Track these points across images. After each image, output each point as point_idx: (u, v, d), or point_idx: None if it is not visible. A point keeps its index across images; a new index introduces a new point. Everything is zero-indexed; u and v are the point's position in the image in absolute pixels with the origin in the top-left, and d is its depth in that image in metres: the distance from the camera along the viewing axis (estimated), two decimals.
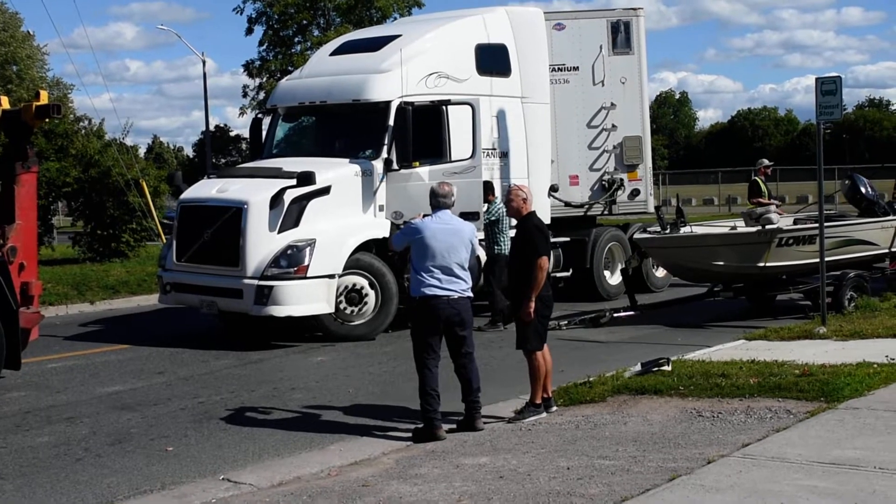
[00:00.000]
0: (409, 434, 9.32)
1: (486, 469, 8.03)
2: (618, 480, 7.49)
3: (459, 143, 16.32)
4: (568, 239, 18.87)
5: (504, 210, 16.38)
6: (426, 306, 9.39)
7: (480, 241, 15.50)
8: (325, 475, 8.16)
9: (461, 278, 9.46)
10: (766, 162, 20.57)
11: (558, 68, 19.34)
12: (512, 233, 15.24)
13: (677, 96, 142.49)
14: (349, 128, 16.86)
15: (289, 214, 14.99)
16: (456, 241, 9.49)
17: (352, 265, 15.24)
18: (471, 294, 9.60)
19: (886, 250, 17.50)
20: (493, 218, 16.14)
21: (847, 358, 11.41)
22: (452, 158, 16.28)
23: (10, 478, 8.55)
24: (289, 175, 15.11)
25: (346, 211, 15.49)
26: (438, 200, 9.70)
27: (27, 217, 12.27)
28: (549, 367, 10.04)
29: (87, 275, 22.08)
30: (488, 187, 16.38)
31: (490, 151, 17.25)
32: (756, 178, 20.17)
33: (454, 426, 9.49)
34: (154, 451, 9.34)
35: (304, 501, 7.37)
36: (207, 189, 16.14)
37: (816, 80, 14.35)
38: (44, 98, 12.57)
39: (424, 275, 9.39)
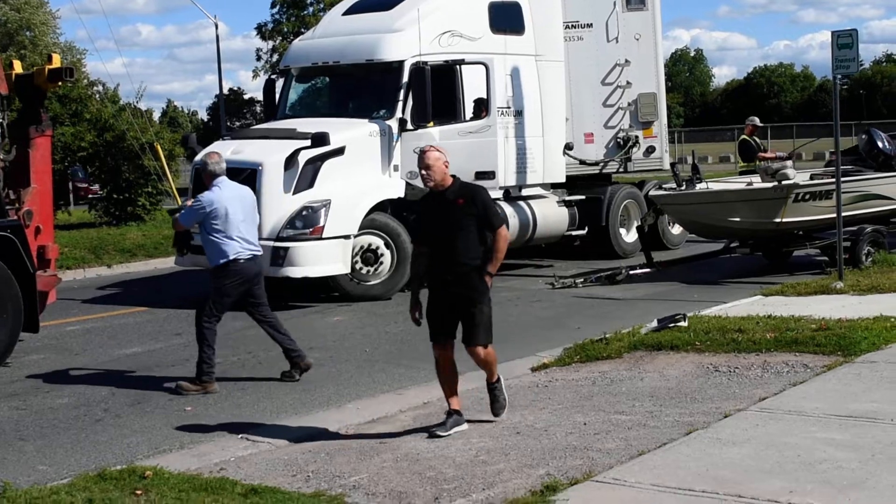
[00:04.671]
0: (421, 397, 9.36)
1: (503, 425, 8.06)
2: (634, 435, 7.51)
3: (473, 103, 16.27)
4: (583, 197, 18.78)
5: None
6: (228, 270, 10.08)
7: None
8: (343, 433, 8.21)
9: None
10: (756, 120, 20.35)
11: (572, 25, 19.20)
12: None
13: (692, 54, 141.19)
14: (363, 88, 16.81)
15: (303, 175, 14.96)
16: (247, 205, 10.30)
17: (367, 225, 15.24)
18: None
19: None
20: None
21: (864, 312, 11.38)
22: (466, 118, 16.25)
23: (30, 439, 8.62)
24: (303, 136, 15.08)
25: (360, 171, 15.45)
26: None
27: (42, 181, 12.25)
28: None
29: (104, 238, 22.17)
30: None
31: (504, 110, 17.16)
32: (745, 137, 19.99)
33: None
34: (173, 411, 9.40)
35: (322, 459, 7.41)
36: (222, 150, 16.05)
37: (832, 33, 14.26)
38: (56, 61, 12.51)
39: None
